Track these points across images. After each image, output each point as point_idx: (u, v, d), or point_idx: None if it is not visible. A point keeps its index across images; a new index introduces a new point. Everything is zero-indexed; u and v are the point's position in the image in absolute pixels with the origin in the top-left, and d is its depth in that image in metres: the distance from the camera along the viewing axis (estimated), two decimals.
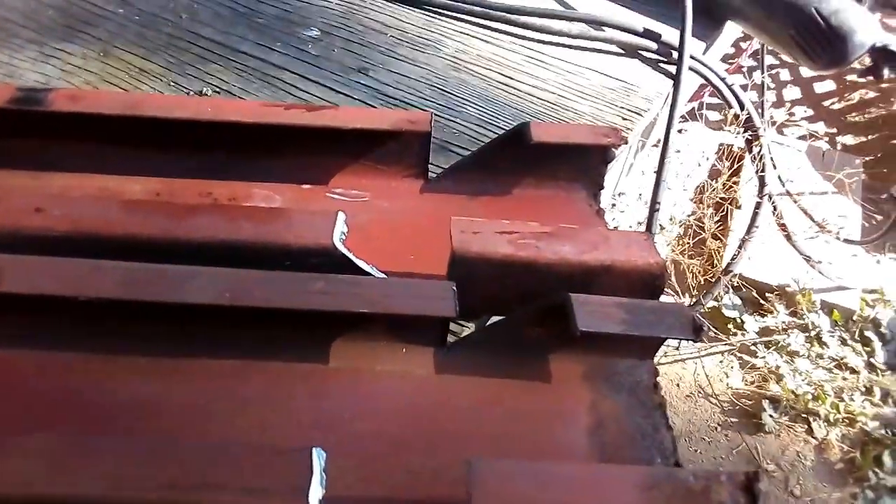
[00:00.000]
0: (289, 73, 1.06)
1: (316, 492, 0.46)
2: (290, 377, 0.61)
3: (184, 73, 1.04)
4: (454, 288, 0.60)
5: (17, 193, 0.73)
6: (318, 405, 0.60)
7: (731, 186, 1.90)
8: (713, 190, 1.75)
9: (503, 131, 0.99)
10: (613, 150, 0.79)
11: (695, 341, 0.69)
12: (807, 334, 1.95)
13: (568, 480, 0.48)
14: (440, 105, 1.04)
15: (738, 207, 1.99)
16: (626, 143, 0.82)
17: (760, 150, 1.33)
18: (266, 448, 0.49)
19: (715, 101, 1.98)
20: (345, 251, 0.64)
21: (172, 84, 1.02)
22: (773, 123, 1.80)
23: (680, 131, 2.00)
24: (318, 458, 0.48)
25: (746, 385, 1.87)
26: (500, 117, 1.03)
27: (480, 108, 1.04)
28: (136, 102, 0.75)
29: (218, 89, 1.01)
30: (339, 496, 0.48)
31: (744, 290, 1.98)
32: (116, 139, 0.78)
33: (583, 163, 0.80)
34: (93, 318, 0.59)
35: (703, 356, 1.93)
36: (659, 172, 1.12)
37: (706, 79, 1.19)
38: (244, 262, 0.61)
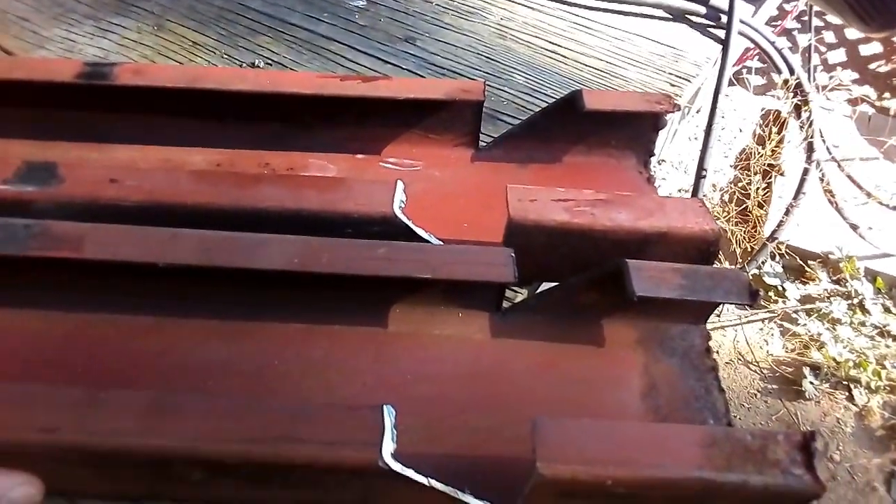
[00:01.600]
0: (337, 43, 1.07)
1: (388, 446, 0.49)
2: (352, 340, 0.64)
3: (235, 45, 1.06)
4: (513, 254, 0.62)
5: (89, 165, 0.76)
6: (381, 367, 0.63)
7: (775, 152, 1.87)
8: (761, 156, 1.72)
9: (551, 99, 1.00)
10: (665, 117, 0.79)
11: (751, 307, 0.70)
12: (849, 302, 1.93)
13: (630, 438, 0.50)
14: (487, 73, 1.04)
15: (782, 174, 1.96)
16: (679, 109, 0.82)
17: (810, 116, 1.31)
18: (339, 406, 0.52)
19: (757, 65, 1.95)
20: (404, 219, 0.66)
21: (225, 56, 1.03)
22: (825, 88, 1.76)
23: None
24: (389, 415, 0.50)
25: (787, 352, 1.87)
26: (547, 85, 1.03)
27: (527, 76, 1.05)
28: (197, 76, 0.77)
29: (270, 61, 1.03)
30: (407, 452, 0.50)
31: (786, 257, 1.96)
32: (178, 111, 0.80)
33: (634, 130, 0.80)
34: (169, 283, 0.62)
35: (743, 323, 1.92)
36: (706, 139, 1.11)
37: (756, 43, 1.17)
38: (307, 230, 0.63)
